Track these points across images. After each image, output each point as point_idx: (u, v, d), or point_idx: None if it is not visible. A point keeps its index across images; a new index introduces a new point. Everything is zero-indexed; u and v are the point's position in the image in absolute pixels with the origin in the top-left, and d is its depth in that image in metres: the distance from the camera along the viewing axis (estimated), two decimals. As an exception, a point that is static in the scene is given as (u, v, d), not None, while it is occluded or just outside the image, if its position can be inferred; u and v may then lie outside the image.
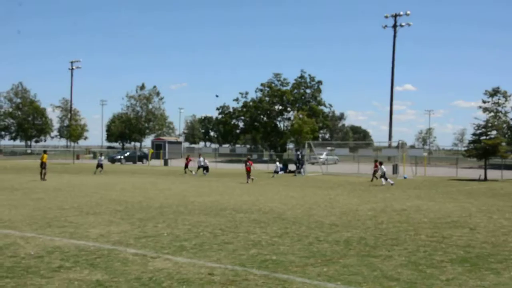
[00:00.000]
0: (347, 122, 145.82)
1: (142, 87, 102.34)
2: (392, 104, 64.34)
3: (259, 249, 9.67)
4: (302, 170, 38.89)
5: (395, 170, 38.89)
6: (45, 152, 30.77)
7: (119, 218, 13.68)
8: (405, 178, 35.70)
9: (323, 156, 54.73)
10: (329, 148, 66.36)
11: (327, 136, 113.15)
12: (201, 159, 38.21)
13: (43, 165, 28.90)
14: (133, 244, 10.08)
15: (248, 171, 29.90)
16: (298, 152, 43.56)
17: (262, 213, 15.00)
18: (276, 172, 37.74)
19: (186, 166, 38.41)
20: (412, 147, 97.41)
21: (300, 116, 47.06)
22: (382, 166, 29.85)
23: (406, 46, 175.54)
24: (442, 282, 7.49)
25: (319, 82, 75.42)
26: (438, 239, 11.07)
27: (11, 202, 17.05)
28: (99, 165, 37.81)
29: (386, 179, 29.00)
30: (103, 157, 39.63)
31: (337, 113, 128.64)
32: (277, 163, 39.31)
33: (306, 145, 43.81)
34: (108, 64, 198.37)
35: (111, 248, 9.64)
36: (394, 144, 49.77)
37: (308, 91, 75.58)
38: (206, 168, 37.66)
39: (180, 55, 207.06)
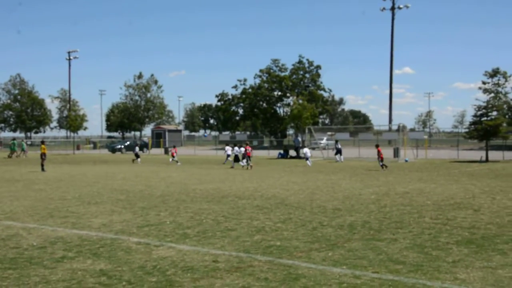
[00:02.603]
0: (347, 107, 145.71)
1: (140, 76, 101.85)
2: (392, 87, 64.28)
3: (263, 235, 9.61)
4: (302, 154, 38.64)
5: (396, 153, 38.82)
6: (42, 142, 30.73)
7: (121, 207, 13.62)
8: (406, 161, 35.65)
9: (324, 141, 54.66)
10: (329, 133, 66.27)
11: (327, 121, 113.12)
12: (236, 148, 33.88)
13: (42, 156, 28.84)
14: (136, 233, 10.02)
15: (248, 155, 30.13)
16: (299, 138, 43.50)
17: (265, 199, 14.94)
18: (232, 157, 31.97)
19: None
20: (412, 130, 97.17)
21: (300, 101, 46.87)
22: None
23: (405, 29, 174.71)
24: (449, 264, 7.43)
25: (318, 67, 75.00)
26: (443, 221, 11.01)
27: (12, 194, 16.98)
28: (136, 155, 37.48)
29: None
30: (137, 148, 39.35)
31: (337, 98, 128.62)
32: (228, 147, 34.16)
33: (307, 130, 43.71)
34: (106, 54, 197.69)
35: (114, 237, 9.59)
36: (394, 127, 49.67)
37: (307, 75, 75.24)
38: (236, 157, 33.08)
39: (178, 43, 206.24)
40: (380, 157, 27.81)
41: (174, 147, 39.20)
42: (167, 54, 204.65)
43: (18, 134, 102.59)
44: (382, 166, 27.40)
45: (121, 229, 10.45)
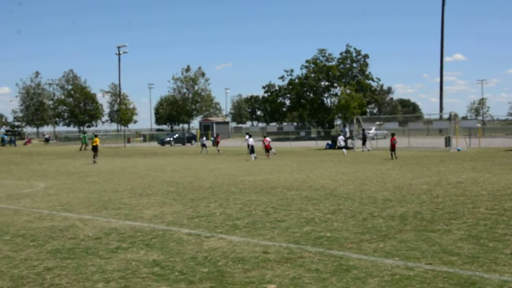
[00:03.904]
0: (395, 96, 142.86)
1: (188, 69, 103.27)
2: (442, 75, 62.54)
3: (312, 226, 9.57)
4: (364, 146, 38.63)
5: (447, 142, 37.84)
6: (95, 136, 32.13)
7: (172, 199, 13.86)
8: (458, 150, 34.70)
9: (372, 131, 53.80)
10: (378, 122, 65.19)
11: (375, 110, 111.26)
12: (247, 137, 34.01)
13: (95, 149, 29.95)
14: (187, 224, 10.17)
15: (267, 148, 31.11)
16: (347, 128, 43.04)
17: (314, 190, 14.86)
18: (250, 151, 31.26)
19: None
20: (465, 118, 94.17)
21: (347, 91, 46.28)
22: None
23: (455, 15, 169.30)
24: (507, 256, 7.18)
25: (366, 56, 73.75)
26: (499, 211, 10.65)
27: (68, 186, 17.58)
28: (203, 145, 40.14)
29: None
30: (204, 138, 42.15)
31: (385, 87, 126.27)
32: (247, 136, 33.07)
33: (354, 120, 43.16)
34: (153, 47, 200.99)
35: (165, 228, 9.77)
36: (445, 116, 48.35)
37: (354, 65, 74.14)
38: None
39: (224, 35, 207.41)
40: (392, 146, 28.33)
41: (217, 135, 41.99)
42: (213, 46, 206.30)
43: (71, 128, 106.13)
44: (392, 154, 28.14)
45: (172, 220, 10.63)
